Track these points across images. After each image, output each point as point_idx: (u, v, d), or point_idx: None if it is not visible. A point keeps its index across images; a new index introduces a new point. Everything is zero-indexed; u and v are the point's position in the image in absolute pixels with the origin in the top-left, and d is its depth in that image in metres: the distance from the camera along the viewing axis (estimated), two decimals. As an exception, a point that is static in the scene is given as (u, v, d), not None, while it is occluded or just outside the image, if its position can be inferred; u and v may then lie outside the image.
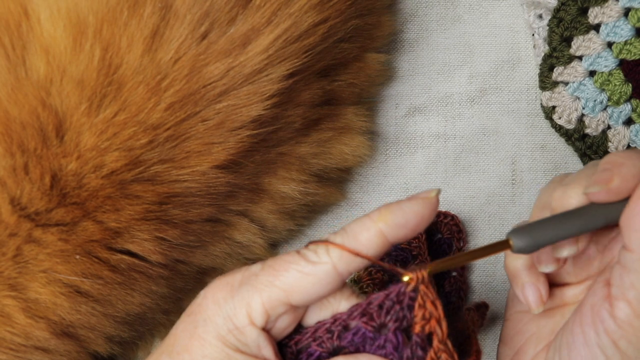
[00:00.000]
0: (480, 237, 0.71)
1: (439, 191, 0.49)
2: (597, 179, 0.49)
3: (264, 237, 0.67)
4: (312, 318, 0.51)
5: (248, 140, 0.59)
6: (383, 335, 0.48)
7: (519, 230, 0.49)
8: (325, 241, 0.48)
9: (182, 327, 0.50)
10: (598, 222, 0.49)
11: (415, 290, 0.48)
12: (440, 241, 0.69)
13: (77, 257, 0.57)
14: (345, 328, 0.49)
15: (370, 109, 0.69)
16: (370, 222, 0.48)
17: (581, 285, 0.54)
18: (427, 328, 0.48)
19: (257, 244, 0.66)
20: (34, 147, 0.55)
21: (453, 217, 0.69)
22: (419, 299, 0.48)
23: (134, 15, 0.56)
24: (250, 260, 0.68)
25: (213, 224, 0.62)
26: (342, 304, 0.50)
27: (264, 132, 0.60)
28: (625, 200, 0.49)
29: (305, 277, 0.48)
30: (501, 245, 0.49)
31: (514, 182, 0.71)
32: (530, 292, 0.53)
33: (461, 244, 0.69)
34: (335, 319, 0.49)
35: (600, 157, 0.69)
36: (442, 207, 0.71)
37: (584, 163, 0.70)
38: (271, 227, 0.67)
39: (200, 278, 0.66)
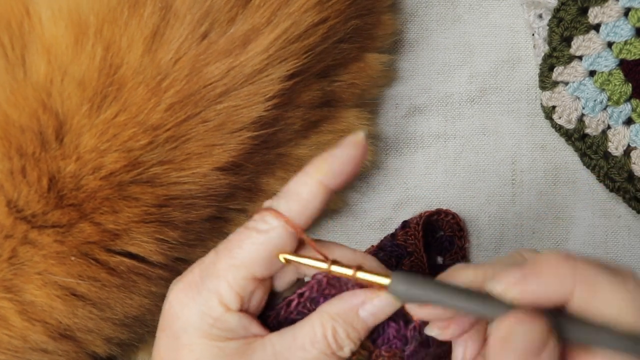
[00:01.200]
0: (480, 237, 0.71)
1: (365, 133, 0.49)
2: (507, 277, 0.45)
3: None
4: (281, 283, 0.51)
5: (249, 142, 0.59)
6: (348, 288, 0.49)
7: (404, 275, 0.47)
8: (269, 209, 0.48)
9: (164, 345, 0.50)
10: (478, 310, 0.45)
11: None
12: (441, 238, 0.70)
13: (73, 258, 0.57)
14: (313, 299, 0.50)
15: (371, 111, 0.69)
16: (308, 177, 0.48)
17: None
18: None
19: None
20: (32, 151, 0.55)
21: (454, 216, 0.69)
22: (368, 280, 0.48)
23: (134, 15, 0.55)
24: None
25: (212, 222, 0.62)
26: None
27: (264, 134, 0.59)
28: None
29: (261, 246, 0.48)
30: (378, 282, 0.48)
31: (514, 182, 0.71)
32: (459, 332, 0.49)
33: (462, 242, 0.69)
34: (299, 294, 0.50)
35: (600, 157, 0.69)
36: (442, 207, 0.71)
37: (584, 163, 0.70)
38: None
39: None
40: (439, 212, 0.69)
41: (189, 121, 0.57)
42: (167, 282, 0.61)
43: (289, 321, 0.50)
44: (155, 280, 0.60)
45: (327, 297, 0.50)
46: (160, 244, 0.59)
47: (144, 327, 0.64)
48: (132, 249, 0.58)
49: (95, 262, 0.57)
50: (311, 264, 0.49)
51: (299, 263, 0.49)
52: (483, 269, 0.47)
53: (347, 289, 0.49)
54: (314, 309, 0.50)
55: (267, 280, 0.50)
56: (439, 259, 0.70)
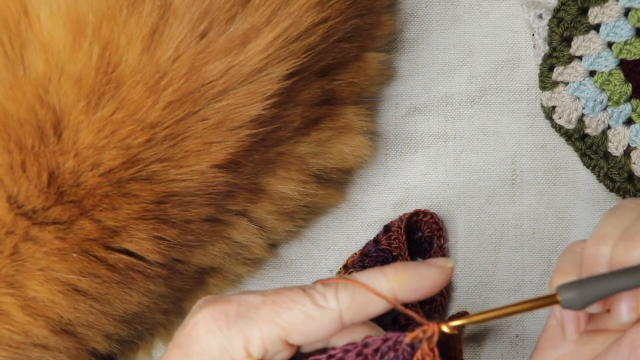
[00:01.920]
0: (480, 237, 0.70)
1: (454, 262, 0.48)
2: None
3: (263, 237, 0.66)
4: (306, 347, 0.50)
5: (247, 139, 0.59)
6: None
7: (570, 285, 0.47)
8: (336, 279, 0.48)
9: (175, 357, 0.49)
10: None
11: (415, 344, 0.47)
12: (420, 239, 0.70)
13: (74, 255, 0.57)
14: None
15: (370, 108, 0.69)
16: (385, 280, 0.47)
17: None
18: None
19: (256, 244, 0.66)
20: (31, 145, 0.55)
21: (432, 215, 0.69)
22: (425, 348, 0.47)
23: (133, 13, 0.56)
24: (249, 260, 0.68)
25: (212, 224, 0.62)
26: (341, 338, 0.49)
27: (263, 132, 0.60)
28: None
29: (309, 319, 0.47)
30: (548, 300, 0.48)
31: (514, 182, 0.71)
32: (569, 319, 0.51)
33: (442, 242, 0.69)
34: (329, 355, 0.49)
35: (600, 157, 0.69)
36: (442, 207, 0.71)
37: (584, 163, 0.69)
38: (270, 228, 0.66)
39: (199, 278, 0.66)
40: (417, 213, 0.69)
41: (188, 119, 0.57)
42: (166, 281, 0.62)
43: None
44: (154, 279, 0.61)
45: None
46: (158, 242, 0.59)
47: (143, 325, 0.64)
48: (130, 247, 0.58)
49: (95, 259, 0.58)
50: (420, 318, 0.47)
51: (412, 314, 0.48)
52: (635, 238, 0.47)
53: None
54: None
55: (297, 346, 0.49)
56: (419, 260, 0.70)
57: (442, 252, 0.69)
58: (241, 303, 0.49)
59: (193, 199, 0.59)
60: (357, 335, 0.50)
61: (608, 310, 0.51)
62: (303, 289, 0.48)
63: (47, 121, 0.55)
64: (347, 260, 0.69)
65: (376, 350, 0.48)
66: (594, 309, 0.50)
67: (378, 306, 0.48)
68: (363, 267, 0.67)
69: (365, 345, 0.48)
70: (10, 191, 0.56)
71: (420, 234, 0.70)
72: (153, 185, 0.57)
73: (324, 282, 0.48)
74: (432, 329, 0.47)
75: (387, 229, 0.69)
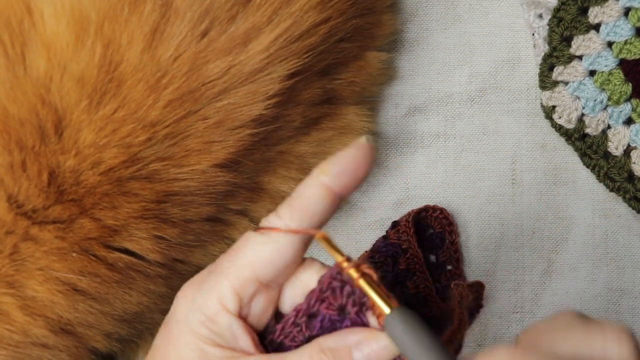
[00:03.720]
0: (480, 237, 0.71)
1: (369, 137, 0.48)
2: None
3: (263, 237, 0.66)
4: (288, 300, 0.50)
5: (248, 139, 0.59)
6: (347, 317, 0.48)
7: (406, 313, 0.46)
8: (273, 228, 0.48)
9: (160, 337, 0.49)
10: None
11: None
12: (432, 236, 0.70)
13: (74, 254, 0.57)
14: (310, 317, 0.48)
15: (371, 109, 0.69)
16: (312, 179, 0.48)
17: None
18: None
19: (256, 244, 0.66)
20: (32, 145, 0.55)
21: (442, 211, 0.69)
22: (370, 296, 0.47)
23: (134, 12, 0.56)
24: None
25: (212, 224, 0.62)
26: (314, 278, 0.49)
27: (264, 131, 0.60)
28: None
29: (266, 248, 0.47)
30: (382, 306, 0.47)
31: (514, 182, 0.71)
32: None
33: (453, 237, 0.69)
34: (296, 311, 0.48)
35: (600, 157, 0.69)
36: (442, 207, 0.71)
37: (584, 163, 0.69)
38: (270, 227, 0.66)
39: (199, 278, 0.66)
40: (426, 208, 0.69)
41: (188, 118, 0.57)
42: (165, 281, 0.62)
43: (283, 346, 0.49)
44: (154, 279, 0.60)
45: (324, 319, 0.48)
46: (158, 241, 0.59)
47: (143, 324, 0.64)
48: (130, 246, 0.58)
49: (95, 258, 0.58)
50: (335, 251, 0.48)
51: (327, 247, 0.48)
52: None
53: (347, 304, 0.47)
54: (309, 334, 0.48)
55: (273, 291, 0.49)
56: (432, 257, 0.70)
57: (454, 247, 0.69)
58: (210, 266, 0.49)
59: (193, 198, 0.59)
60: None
61: None
62: (252, 229, 0.48)
63: (49, 120, 0.55)
64: (358, 259, 0.69)
65: (333, 290, 0.48)
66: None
67: (320, 205, 0.48)
68: (374, 264, 0.66)
69: (321, 289, 0.48)
70: (10, 191, 0.56)
71: (431, 231, 0.70)
72: (153, 184, 0.57)
73: (261, 228, 0.48)
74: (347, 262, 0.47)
75: (395, 224, 0.69)
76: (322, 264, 0.49)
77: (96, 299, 0.59)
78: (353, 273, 0.47)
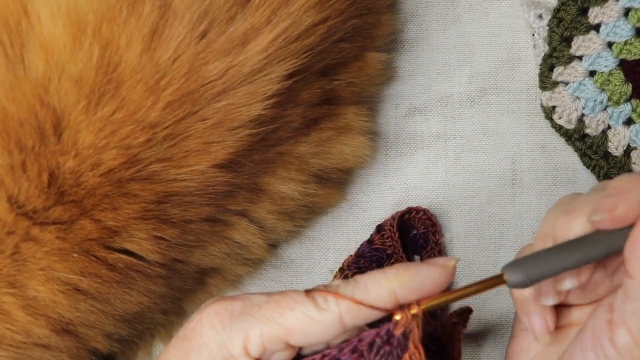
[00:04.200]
0: (480, 237, 0.71)
1: (457, 260, 0.49)
2: (602, 207, 0.48)
3: (263, 238, 0.66)
4: (306, 350, 0.50)
5: (247, 139, 0.59)
6: None
7: (514, 264, 0.48)
8: (336, 293, 0.48)
9: (175, 353, 0.50)
10: (601, 252, 0.48)
11: (406, 333, 0.47)
12: (416, 237, 0.70)
13: (75, 255, 0.57)
14: None
15: (370, 109, 0.69)
16: (385, 281, 0.48)
17: (590, 307, 0.53)
18: None
19: (256, 244, 0.66)
20: (31, 145, 0.55)
21: (425, 212, 0.69)
22: (411, 348, 0.47)
23: (133, 13, 0.56)
24: (249, 260, 0.68)
25: (212, 224, 0.62)
26: (336, 340, 0.49)
27: (263, 132, 0.60)
28: (630, 227, 0.48)
29: (310, 321, 0.48)
30: (495, 280, 0.48)
31: (514, 182, 0.71)
32: (536, 320, 0.51)
33: (437, 237, 0.69)
34: (324, 355, 0.49)
35: (600, 157, 0.69)
36: (442, 207, 0.71)
37: (584, 163, 0.69)
38: (270, 228, 0.66)
39: (199, 278, 0.66)
40: (410, 210, 0.69)
41: (187, 119, 0.57)
42: (166, 281, 0.62)
43: None
44: (154, 279, 0.61)
45: None
46: (158, 242, 0.59)
47: (143, 324, 0.64)
48: (130, 247, 0.58)
49: (96, 258, 0.58)
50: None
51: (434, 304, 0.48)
52: (575, 210, 0.49)
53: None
54: None
55: (296, 348, 0.50)
56: (416, 257, 0.70)
57: (438, 247, 0.69)
58: (246, 301, 0.49)
59: (193, 199, 0.59)
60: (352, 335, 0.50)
61: (565, 306, 0.52)
62: (306, 292, 0.49)
63: (48, 121, 0.55)
64: (343, 263, 0.69)
65: (371, 345, 0.48)
66: (550, 300, 0.51)
67: (379, 303, 0.48)
68: (358, 268, 0.67)
69: (360, 340, 0.48)
70: (10, 191, 0.56)
71: (415, 232, 0.70)
72: (153, 185, 0.57)
73: (324, 291, 0.48)
74: (410, 314, 0.47)
75: (379, 228, 0.69)
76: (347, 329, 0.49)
77: (97, 299, 0.59)
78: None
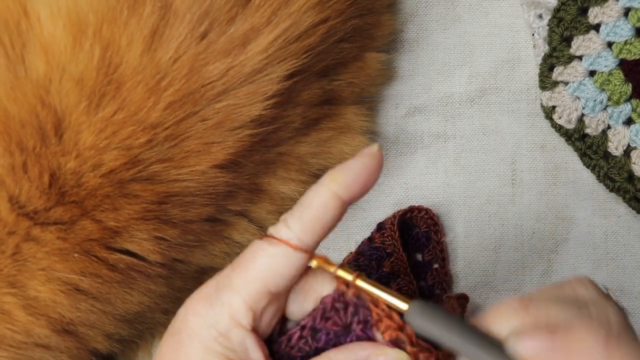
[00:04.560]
0: (480, 237, 0.71)
1: (380, 145, 0.49)
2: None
3: (263, 237, 0.67)
4: (298, 308, 0.50)
5: (247, 139, 0.59)
6: (352, 332, 0.48)
7: (423, 305, 0.46)
8: (282, 240, 0.48)
9: (167, 349, 0.49)
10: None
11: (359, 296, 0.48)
12: (417, 235, 0.70)
13: (76, 255, 0.57)
14: (315, 331, 0.49)
15: (370, 108, 0.69)
16: (322, 187, 0.48)
17: None
18: (392, 335, 0.47)
19: (257, 244, 0.66)
20: (32, 146, 0.56)
21: (427, 211, 0.69)
22: (375, 314, 0.47)
23: (133, 14, 0.56)
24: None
25: (212, 224, 0.62)
26: (326, 288, 0.49)
27: (263, 132, 0.60)
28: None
29: (276, 259, 0.48)
30: (400, 302, 0.47)
31: (514, 182, 0.71)
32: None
33: (438, 236, 0.69)
34: (302, 326, 0.49)
35: (600, 157, 0.69)
36: (442, 207, 0.71)
37: (584, 163, 0.69)
38: (270, 228, 0.67)
39: (199, 277, 0.66)
40: (411, 209, 0.69)
41: (188, 119, 0.57)
42: (166, 281, 0.62)
43: (290, 358, 0.49)
44: (155, 279, 0.61)
45: (329, 333, 0.48)
46: (158, 242, 0.59)
47: (144, 324, 0.64)
48: (131, 247, 0.59)
49: (97, 259, 0.58)
50: (339, 274, 0.48)
51: (329, 271, 0.48)
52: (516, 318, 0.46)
53: (352, 322, 0.48)
54: (315, 346, 0.49)
55: (281, 298, 0.49)
56: (418, 256, 0.70)
57: (440, 246, 0.69)
58: (216, 279, 0.49)
59: (194, 199, 0.59)
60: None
61: None
62: (258, 238, 0.48)
63: (49, 122, 0.55)
64: (343, 261, 0.69)
65: (336, 310, 0.48)
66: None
67: (329, 213, 0.48)
68: (358, 266, 0.67)
69: (324, 308, 0.48)
70: (12, 192, 0.56)
71: (417, 230, 0.70)
72: (154, 185, 0.57)
73: (269, 236, 0.48)
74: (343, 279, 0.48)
75: (380, 226, 0.69)
76: (332, 275, 0.49)
77: (98, 299, 0.59)
78: (362, 283, 0.48)
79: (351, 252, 0.70)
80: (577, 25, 0.67)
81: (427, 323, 0.46)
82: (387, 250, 0.67)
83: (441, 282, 0.69)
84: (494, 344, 0.44)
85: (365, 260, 0.67)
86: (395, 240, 0.67)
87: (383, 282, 0.64)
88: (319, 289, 0.49)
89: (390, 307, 0.48)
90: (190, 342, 0.48)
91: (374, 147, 0.48)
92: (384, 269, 0.67)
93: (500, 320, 0.45)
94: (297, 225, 0.48)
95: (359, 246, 0.69)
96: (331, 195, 0.48)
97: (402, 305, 0.47)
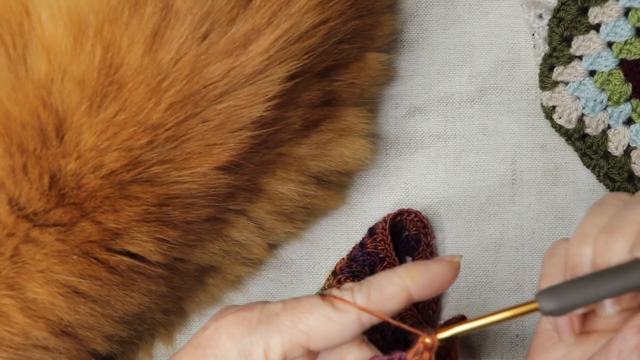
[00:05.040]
0: (480, 237, 0.71)
1: (461, 257, 0.50)
2: None
3: (262, 237, 0.67)
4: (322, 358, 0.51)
5: (248, 141, 0.59)
6: None
7: (548, 291, 0.47)
8: (353, 303, 0.48)
9: (189, 358, 0.50)
10: None
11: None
12: (407, 238, 0.70)
13: (75, 257, 0.57)
14: None
15: (371, 110, 0.69)
16: (397, 278, 0.48)
17: (619, 315, 0.51)
18: None
19: (255, 243, 0.66)
20: (33, 148, 0.55)
21: (417, 214, 0.69)
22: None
23: (134, 15, 0.55)
24: (249, 260, 0.68)
25: (212, 223, 0.62)
26: (352, 351, 0.50)
27: (264, 133, 0.60)
28: None
29: (330, 323, 0.48)
30: (529, 307, 0.48)
31: (514, 182, 0.71)
32: (562, 322, 0.51)
33: (428, 239, 0.69)
34: None
35: (600, 157, 0.69)
36: (442, 207, 0.71)
37: (584, 163, 0.70)
38: (269, 228, 0.66)
39: (199, 277, 0.66)
40: (401, 212, 0.69)
41: (189, 121, 0.57)
42: (166, 281, 0.62)
43: None
44: (155, 279, 0.61)
45: None
46: (160, 243, 0.59)
47: (143, 325, 0.64)
48: (132, 249, 0.58)
49: (96, 261, 0.58)
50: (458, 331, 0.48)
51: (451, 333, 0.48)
52: (615, 232, 0.47)
53: None
54: None
55: (314, 354, 0.50)
56: (408, 259, 0.70)
57: (430, 249, 0.69)
58: (263, 310, 0.49)
59: (194, 201, 0.59)
60: (356, 356, 0.50)
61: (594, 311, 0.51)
62: (321, 295, 0.49)
63: (50, 123, 0.55)
64: (336, 266, 0.69)
65: None
66: (579, 310, 0.50)
67: (394, 304, 0.48)
68: (351, 272, 0.67)
69: None
70: (11, 194, 0.56)
71: (406, 233, 0.70)
72: (155, 187, 0.57)
73: (339, 297, 0.49)
74: (432, 340, 0.48)
75: (371, 231, 0.69)
76: (363, 339, 0.50)
77: (97, 301, 0.59)
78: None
79: (343, 259, 0.70)
80: (577, 25, 0.67)
81: (565, 300, 0.46)
82: (380, 255, 0.68)
83: None
84: (630, 267, 0.45)
85: (358, 266, 0.67)
86: (388, 244, 0.68)
87: None
88: (345, 351, 0.50)
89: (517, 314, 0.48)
90: None
91: (456, 258, 0.49)
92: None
93: (616, 247, 0.46)
94: (362, 300, 0.48)
95: (351, 252, 0.69)
96: (403, 288, 0.48)
97: (532, 306, 0.48)
